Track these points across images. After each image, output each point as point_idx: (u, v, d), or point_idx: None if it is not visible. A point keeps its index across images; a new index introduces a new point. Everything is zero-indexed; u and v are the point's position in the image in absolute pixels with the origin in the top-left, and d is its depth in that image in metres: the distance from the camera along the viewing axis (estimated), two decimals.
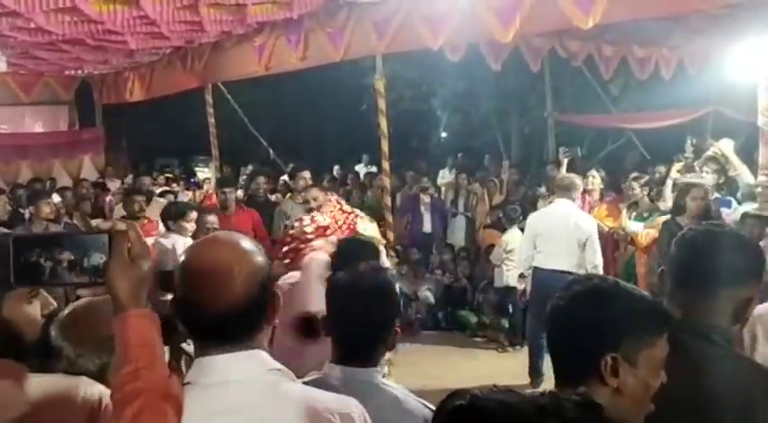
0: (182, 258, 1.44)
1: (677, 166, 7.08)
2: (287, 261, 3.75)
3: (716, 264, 1.77)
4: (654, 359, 1.46)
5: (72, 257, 1.34)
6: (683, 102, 10.83)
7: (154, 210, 7.52)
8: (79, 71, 10.90)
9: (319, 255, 3.44)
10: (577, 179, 6.18)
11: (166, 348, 1.80)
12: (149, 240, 5.74)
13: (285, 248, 3.86)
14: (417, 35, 5.97)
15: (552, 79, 11.32)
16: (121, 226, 1.38)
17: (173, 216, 5.67)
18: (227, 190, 6.82)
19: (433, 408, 1.87)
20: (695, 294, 1.76)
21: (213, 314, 1.37)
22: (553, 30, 7.08)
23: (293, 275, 3.43)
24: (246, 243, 1.45)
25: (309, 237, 3.84)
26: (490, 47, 7.70)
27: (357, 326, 1.87)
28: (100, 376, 1.78)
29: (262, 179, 7.99)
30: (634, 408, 1.43)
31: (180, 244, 5.40)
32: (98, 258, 1.34)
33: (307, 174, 6.89)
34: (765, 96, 5.83)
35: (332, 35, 6.71)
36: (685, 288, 1.78)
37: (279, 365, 1.43)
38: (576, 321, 1.49)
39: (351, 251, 3.11)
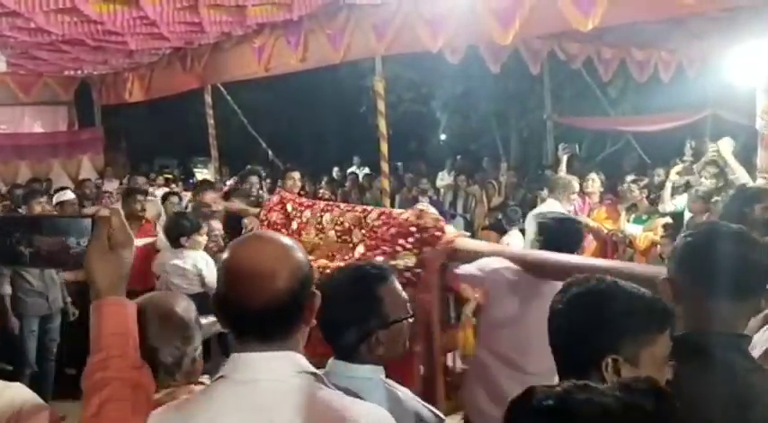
0: (225, 256, 1.45)
1: (677, 167, 7.09)
2: (416, 251, 3.66)
3: (761, 265, 1.67)
4: (656, 357, 1.45)
5: (55, 240, 1.35)
6: (681, 104, 10.85)
7: (148, 210, 7.52)
8: (79, 71, 10.89)
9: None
10: (572, 180, 6.21)
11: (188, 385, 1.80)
12: (144, 241, 5.68)
13: (411, 239, 3.71)
14: (417, 37, 5.97)
15: (551, 81, 11.34)
16: (105, 212, 1.37)
17: (187, 231, 5.02)
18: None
19: (436, 411, 1.89)
20: (735, 303, 1.64)
21: (254, 310, 1.37)
22: (552, 32, 7.09)
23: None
24: (288, 241, 1.47)
25: (441, 224, 3.79)
26: (489, 49, 7.70)
27: (327, 323, 1.86)
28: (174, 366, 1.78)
29: (254, 179, 7.98)
30: None
31: (200, 261, 4.95)
32: (81, 242, 1.34)
33: (296, 174, 6.89)
34: (764, 99, 5.83)
35: (332, 36, 6.72)
36: (721, 296, 1.63)
37: (312, 368, 1.44)
38: (575, 324, 1.49)
39: (560, 231, 3.38)
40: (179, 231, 5.04)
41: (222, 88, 9.66)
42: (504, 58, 8.01)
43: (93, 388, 1.26)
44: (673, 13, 5.17)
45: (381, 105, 6.75)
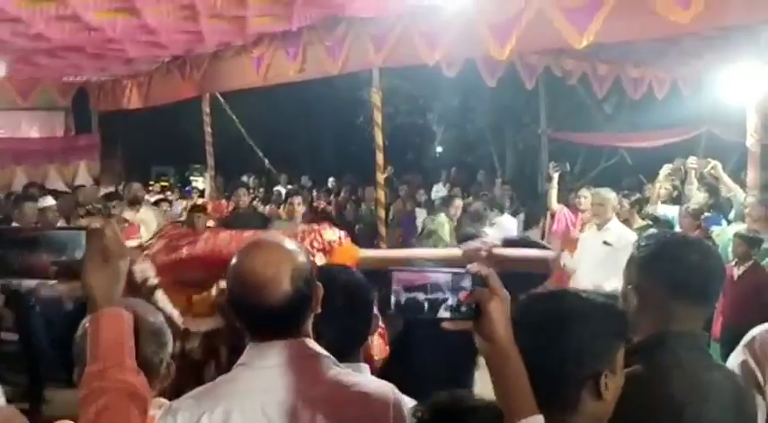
0: (234, 261, 1.58)
1: (665, 170, 7.15)
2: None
3: (717, 272, 1.79)
4: (621, 360, 1.45)
5: (51, 253, 1.36)
6: (676, 122, 10.94)
7: (144, 216, 7.55)
8: (77, 77, 10.91)
9: None
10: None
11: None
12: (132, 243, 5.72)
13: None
14: (414, 50, 6.02)
15: (547, 97, 11.43)
16: (97, 224, 1.40)
17: None
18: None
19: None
20: (695, 306, 1.74)
21: (268, 309, 1.52)
22: (548, 48, 7.15)
23: None
24: (289, 244, 1.62)
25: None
26: (486, 63, 7.75)
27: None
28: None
29: (242, 191, 8.31)
30: (610, 409, 1.43)
31: None
32: (76, 254, 1.36)
33: (297, 199, 7.25)
34: (755, 118, 5.91)
35: (330, 48, 6.76)
36: (683, 299, 1.71)
37: (324, 351, 1.60)
38: (554, 346, 1.38)
39: None
40: None
41: (220, 97, 9.70)
42: (500, 72, 8.05)
43: (89, 397, 1.28)
44: (667, 32, 5.23)
45: (378, 117, 6.80)
